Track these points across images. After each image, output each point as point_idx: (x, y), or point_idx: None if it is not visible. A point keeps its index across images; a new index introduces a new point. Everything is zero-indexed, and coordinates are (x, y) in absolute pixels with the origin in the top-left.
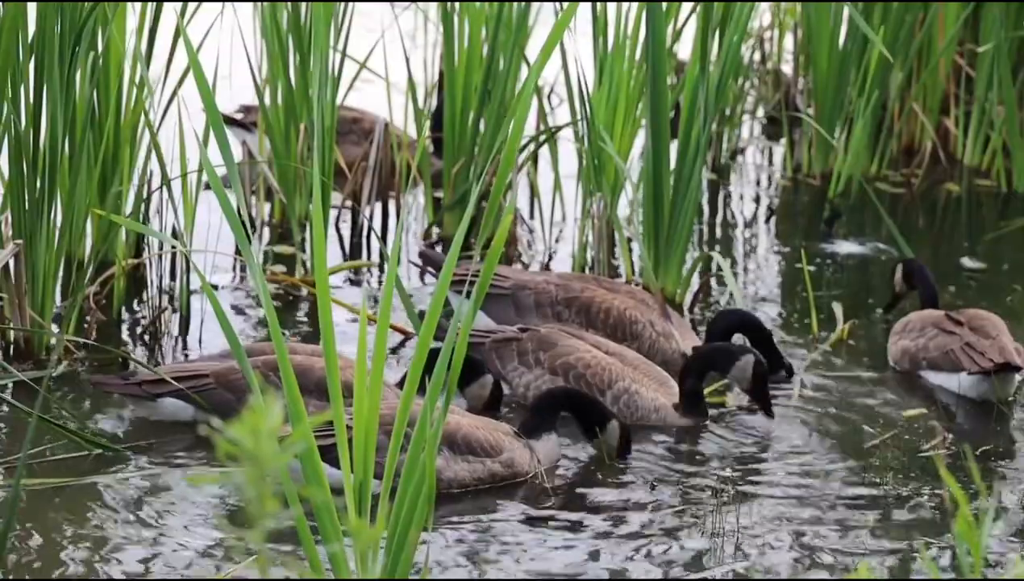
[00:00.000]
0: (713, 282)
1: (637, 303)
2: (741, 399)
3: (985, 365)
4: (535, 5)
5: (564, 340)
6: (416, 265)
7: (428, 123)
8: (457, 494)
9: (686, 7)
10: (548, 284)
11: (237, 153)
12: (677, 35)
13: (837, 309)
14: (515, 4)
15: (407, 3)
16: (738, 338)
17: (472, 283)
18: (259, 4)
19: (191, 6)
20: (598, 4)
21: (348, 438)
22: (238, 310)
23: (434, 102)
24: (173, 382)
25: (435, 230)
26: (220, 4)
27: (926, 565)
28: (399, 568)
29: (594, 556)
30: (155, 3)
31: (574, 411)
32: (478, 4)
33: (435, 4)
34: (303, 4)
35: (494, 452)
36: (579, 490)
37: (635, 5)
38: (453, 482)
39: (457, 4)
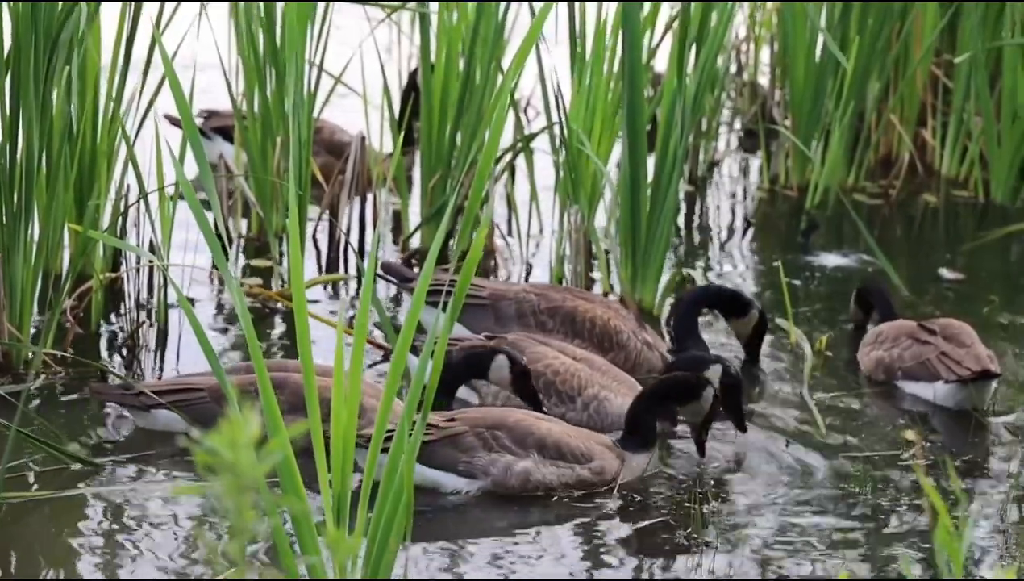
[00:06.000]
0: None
1: (615, 313)
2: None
3: (962, 373)
4: (510, 18)
5: (532, 347)
6: (381, 277)
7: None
8: (436, 506)
9: (661, 21)
10: (527, 293)
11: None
12: (653, 52)
13: (802, 339)
14: (491, 16)
15: (383, 14)
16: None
17: (446, 294)
18: (235, 18)
19: (166, 16)
20: (576, 13)
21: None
22: (216, 324)
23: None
24: (169, 394)
25: (412, 242)
26: (195, 17)
27: (907, 573)
28: (380, 573)
29: (572, 565)
30: (132, 11)
31: (672, 399)
32: (455, 17)
33: (408, 17)
34: (278, 17)
35: (584, 459)
36: (559, 500)
37: (612, 16)
38: (541, 485)
39: (433, 17)
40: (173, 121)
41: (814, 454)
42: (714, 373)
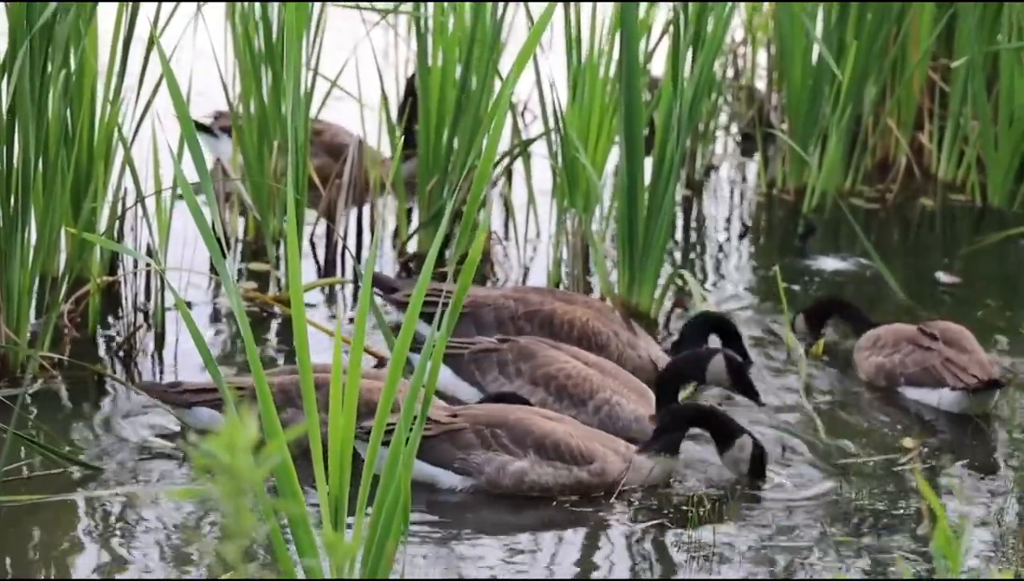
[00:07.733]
0: (687, 299)
1: (597, 314)
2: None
3: (969, 381)
4: (507, 20)
5: (544, 351)
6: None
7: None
8: (437, 505)
9: (658, 24)
10: (507, 299)
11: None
12: (650, 55)
13: (799, 343)
14: (490, 17)
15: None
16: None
17: (435, 305)
18: (231, 21)
19: (163, 18)
20: (571, 16)
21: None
22: (213, 327)
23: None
24: (211, 392)
25: (409, 246)
26: (192, 20)
27: (905, 574)
28: (379, 573)
29: (572, 566)
30: (129, 11)
31: (705, 427)
32: (450, 23)
33: (405, 21)
34: (274, 19)
35: (583, 460)
36: (560, 501)
37: (608, 18)
38: (536, 485)
39: (430, 22)
40: (200, 126)
41: (812, 457)
42: (717, 364)
